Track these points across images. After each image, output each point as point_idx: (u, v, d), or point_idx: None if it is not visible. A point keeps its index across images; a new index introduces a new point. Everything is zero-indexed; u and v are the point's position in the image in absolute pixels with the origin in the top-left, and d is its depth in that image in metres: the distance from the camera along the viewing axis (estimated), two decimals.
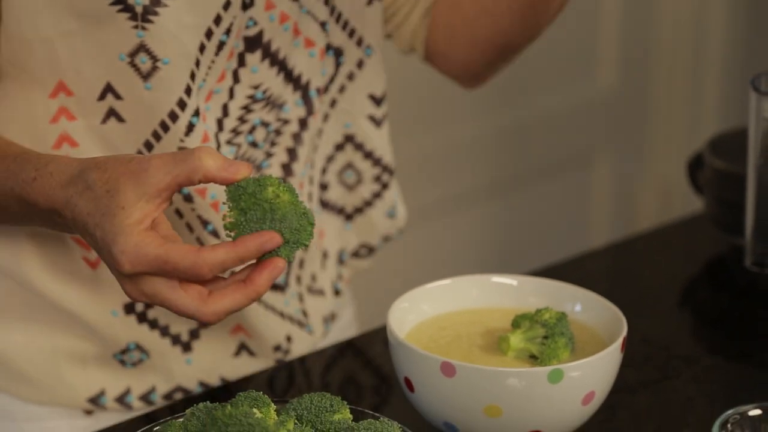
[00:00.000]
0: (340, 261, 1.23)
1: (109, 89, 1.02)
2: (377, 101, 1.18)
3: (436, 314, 1.06)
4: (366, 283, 2.07)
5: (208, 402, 0.91)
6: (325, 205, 1.20)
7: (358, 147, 1.19)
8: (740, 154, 1.25)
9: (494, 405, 0.95)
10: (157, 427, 0.89)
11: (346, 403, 0.93)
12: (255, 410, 0.85)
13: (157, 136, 1.03)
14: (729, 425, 0.96)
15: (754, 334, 1.22)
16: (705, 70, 2.51)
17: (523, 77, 2.30)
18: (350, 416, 0.92)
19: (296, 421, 0.91)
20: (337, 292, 1.23)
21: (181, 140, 1.03)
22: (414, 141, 2.18)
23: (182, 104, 1.02)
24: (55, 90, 1.03)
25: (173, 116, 1.02)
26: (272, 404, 0.91)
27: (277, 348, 1.16)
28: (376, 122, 1.18)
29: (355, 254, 1.24)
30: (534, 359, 1.00)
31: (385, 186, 1.21)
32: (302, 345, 1.18)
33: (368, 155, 1.20)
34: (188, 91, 1.02)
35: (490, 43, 1.18)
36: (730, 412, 0.97)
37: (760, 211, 1.14)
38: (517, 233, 2.40)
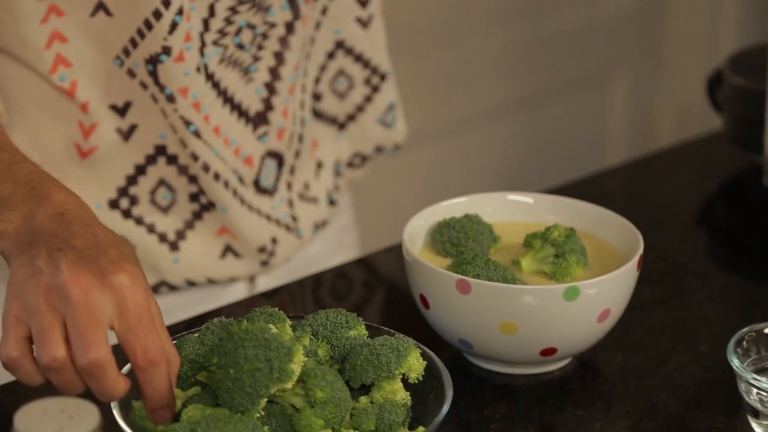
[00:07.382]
0: (337, 172, 1.24)
1: None
2: (363, 2, 1.19)
3: None
4: (382, 202, 2.07)
5: (223, 317, 0.91)
6: (318, 115, 1.22)
7: (348, 52, 1.21)
8: (760, 70, 1.24)
9: (509, 322, 0.96)
10: (174, 342, 0.90)
11: (361, 319, 0.93)
12: (271, 326, 0.86)
13: (141, 34, 1.05)
14: (744, 342, 0.96)
15: None
16: None
17: None
18: (366, 332, 0.93)
19: (312, 336, 0.91)
20: (332, 202, 1.24)
21: (165, 39, 1.04)
22: (429, 58, 2.17)
23: (167, 2, 1.03)
24: None
25: (157, 14, 1.03)
26: (288, 320, 0.91)
27: (262, 249, 1.17)
28: (363, 23, 1.20)
29: (350, 164, 1.26)
30: (550, 275, 1.00)
31: (375, 89, 1.23)
32: (288, 247, 1.20)
33: (358, 58, 1.22)
34: None
35: None
36: (745, 329, 0.97)
37: None
38: (534, 151, 2.39)
